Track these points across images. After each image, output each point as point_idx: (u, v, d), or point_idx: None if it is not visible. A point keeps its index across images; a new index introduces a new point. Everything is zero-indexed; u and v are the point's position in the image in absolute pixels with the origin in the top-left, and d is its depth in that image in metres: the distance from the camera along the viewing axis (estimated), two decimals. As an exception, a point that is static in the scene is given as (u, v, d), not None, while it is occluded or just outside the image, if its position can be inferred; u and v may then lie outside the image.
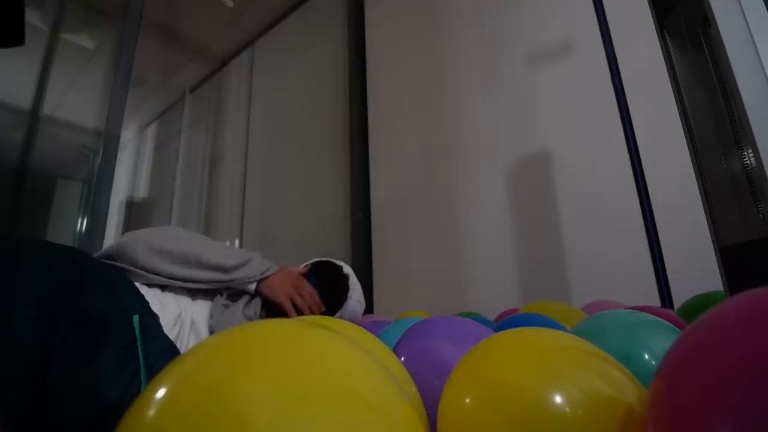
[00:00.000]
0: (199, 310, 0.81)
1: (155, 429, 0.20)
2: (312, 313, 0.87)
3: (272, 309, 0.87)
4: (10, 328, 0.47)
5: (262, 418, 0.20)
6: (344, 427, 0.21)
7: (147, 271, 0.77)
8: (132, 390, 0.53)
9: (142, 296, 0.69)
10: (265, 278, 0.86)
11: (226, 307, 0.84)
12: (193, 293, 0.84)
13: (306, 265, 0.97)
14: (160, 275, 0.77)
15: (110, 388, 0.51)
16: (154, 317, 0.66)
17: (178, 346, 0.70)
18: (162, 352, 0.61)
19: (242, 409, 0.20)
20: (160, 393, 0.22)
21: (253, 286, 0.85)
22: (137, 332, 0.59)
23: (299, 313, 0.86)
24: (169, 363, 0.25)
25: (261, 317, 0.86)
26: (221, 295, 0.86)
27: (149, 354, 0.58)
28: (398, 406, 0.24)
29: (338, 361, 0.25)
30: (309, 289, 0.88)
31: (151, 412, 0.21)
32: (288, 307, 0.84)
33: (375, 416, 0.23)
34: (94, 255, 0.81)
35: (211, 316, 0.81)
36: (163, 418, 0.21)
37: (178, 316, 0.76)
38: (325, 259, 1.00)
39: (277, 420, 0.20)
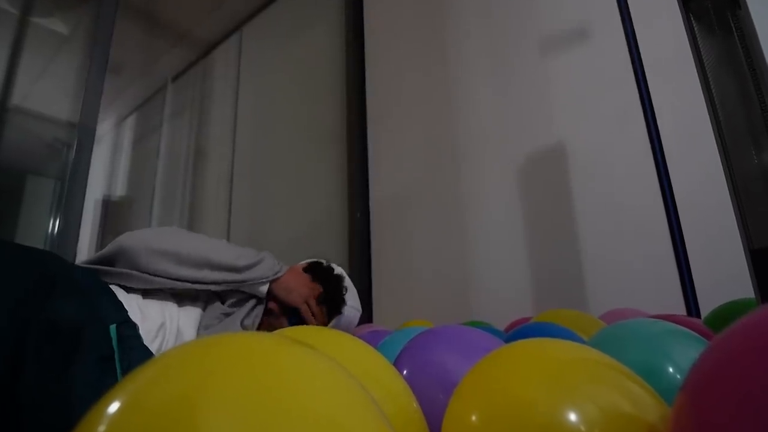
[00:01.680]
0: (186, 318, 0.81)
1: None
2: (319, 323, 0.88)
3: (273, 321, 0.88)
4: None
5: None
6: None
7: (150, 274, 0.77)
8: None
9: (121, 304, 0.69)
10: (278, 279, 0.87)
11: (226, 315, 0.84)
12: (181, 299, 0.84)
13: (307, 263, 0.98)
14: (165, 278, 0.78)
15: (85, 402, 0.51)
16: (134, 327, 0.66)
17: None
18: (142, 364, 0.60)
19: (201, 428, 0.20)
20: (112, 408, 0.21)
21: (265, 288, 0.86)
22: (114, 342, 0.59)
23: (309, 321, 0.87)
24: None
25: (259, 328, 0.87)
26: (222, 303, 0.86)
27: (128, 366, 0.58)
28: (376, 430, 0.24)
29: (313, 382, 0.25)
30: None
31: (101, 429, 0.21)
32: (305, 310, 0.86)
33: None
34: (89, 259, 0.81)
35: (206, 327, 0.81)
36: None
37: (161, 325, 0.76)
38: (315, 260, 1.00)
39: None
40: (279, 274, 0.88)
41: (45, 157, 1.75)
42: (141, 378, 0.24)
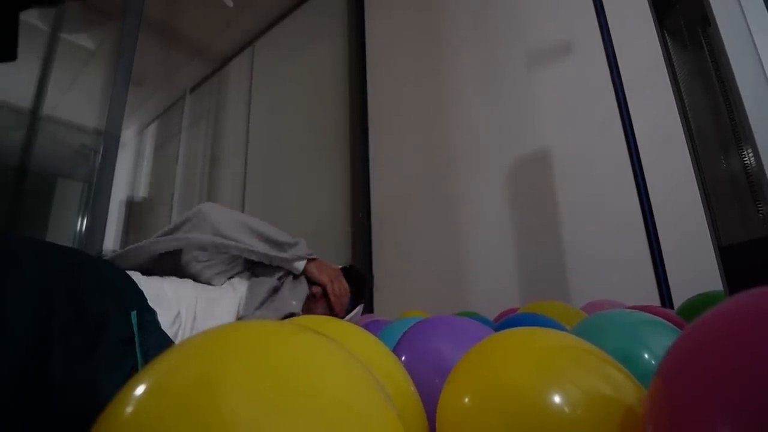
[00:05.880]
0: (204, 302, 0.80)
1: (130, 429, 0.20)
2: (340, 305, 0.94)
3: (312, 305, 0.93)
4: (8, 326, 0.47)
5: (242, 420, 0.19)
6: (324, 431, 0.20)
7: (225, 237, 0.85)
8: None
9: (141, 292, 0.69)
10: (313, 259, 0.95)
11: (275, 290, 0.88)
12: (208, 277, 0.88)
13: (341, 267, 1.03)
14: (229, 239, 0.85)
15: (109, 383, 0.52)
16: (153, 313, 0.66)
17: (177, 342, 0.69)
18: (160, 347, 0.60)
19: (221, 410, 0.20)
20: (138, 391, 0.21)
21: (302, 265, 0.93)
22: (135, 327, 0.59)
23: (330, 300, 0.93)
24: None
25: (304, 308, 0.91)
26: (256, 276, 0.91)
27: (147, 349, 0.58)
28: (382, 413, 0.24)
29: (324, 366, 0.25)
30: (344, 285, 0.95)
31: (128, 410, 0.20)
32: (330, 288, 0.92)
33: (356, 423, 0.22)
34: (182, 219, 0.87)
35: (260, 304, 0.84)
36: (139, 417, 0.20)
37: (177, 314, 0.75)
38: (352, 265, 1.06)
39: (256, 422, 0.20)
40: (312, 256, 0.95)
41: (73, 162, 1.75)
42: (164, 363, 0.24)
